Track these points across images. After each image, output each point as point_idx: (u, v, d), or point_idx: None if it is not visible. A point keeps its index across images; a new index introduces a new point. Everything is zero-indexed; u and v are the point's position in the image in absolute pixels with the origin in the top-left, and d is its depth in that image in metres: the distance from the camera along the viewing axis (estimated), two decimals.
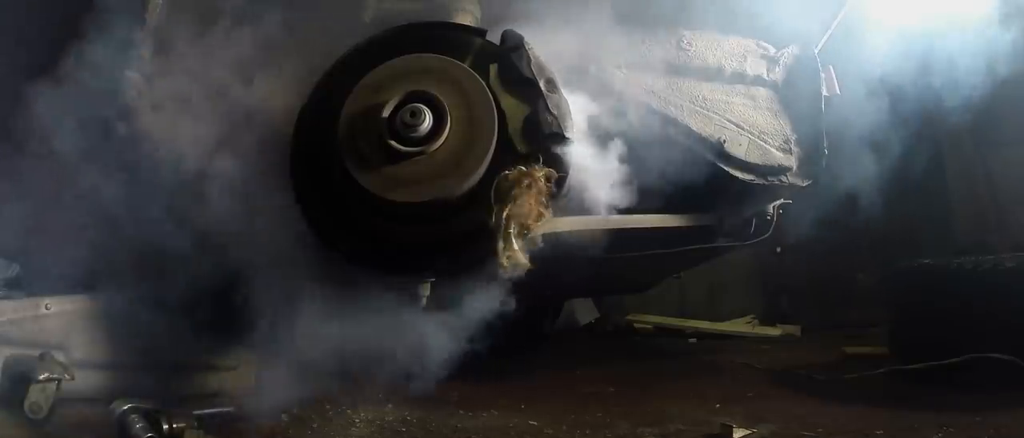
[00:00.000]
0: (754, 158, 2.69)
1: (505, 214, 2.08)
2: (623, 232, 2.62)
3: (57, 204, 2.57)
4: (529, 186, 2.09)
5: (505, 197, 2.10)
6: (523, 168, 2.12)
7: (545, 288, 2.69)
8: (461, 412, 2.65)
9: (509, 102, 2.22)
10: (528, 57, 2.24)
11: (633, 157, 2.43)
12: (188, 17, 2.50)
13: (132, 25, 2.47)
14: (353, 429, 2.48)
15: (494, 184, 2.13)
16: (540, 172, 2.11)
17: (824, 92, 2.82)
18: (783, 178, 2.78)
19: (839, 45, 2.87)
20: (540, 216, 2.11)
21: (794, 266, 4.70)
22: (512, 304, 2.28)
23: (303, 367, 2.41)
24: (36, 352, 2.34)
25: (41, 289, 2.54)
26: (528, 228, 2.10)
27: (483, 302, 2.28)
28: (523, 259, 2.11)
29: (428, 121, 2.11)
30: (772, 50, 2.80)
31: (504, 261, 2.09)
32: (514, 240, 2.09)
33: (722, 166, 2.66)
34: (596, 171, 2.38)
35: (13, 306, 2.42)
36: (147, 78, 2.46)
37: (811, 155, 2.81)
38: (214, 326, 2.55)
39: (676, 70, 2.66)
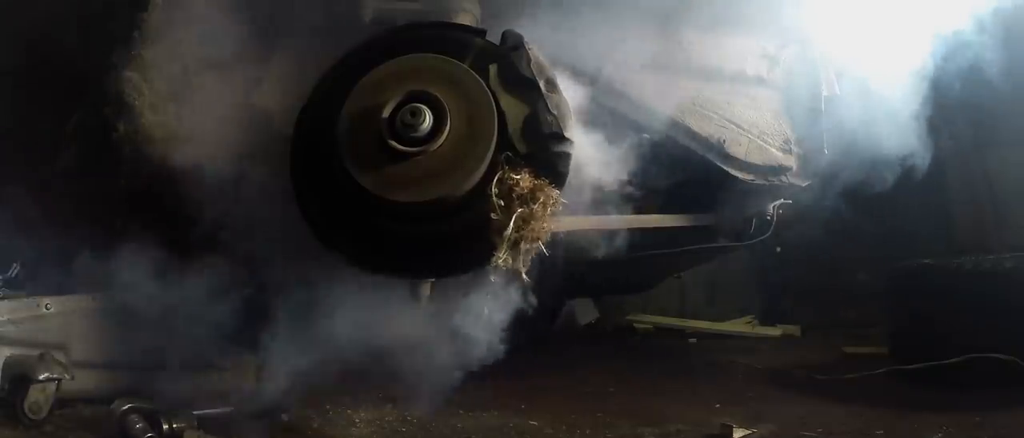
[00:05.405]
0: (754, 158, 2.69)
1: (512, 223, 2.08)
2: (623, 232, 2.62)
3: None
4: (544, 204, 2.09)
5: (512, 204, 2.09)
6: (536, 182, 2.12)
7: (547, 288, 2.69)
8: (461, 412, 2.65)
9: (509, 102, 2.21)
10: (528, 57, 2.24)
11: (633, 157, 2.44)
12: (187, 17, 2.51)
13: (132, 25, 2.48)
14: (353, 429, 2.49)
15: (495, 181, 2.12)
16: (555, 192, 2.12)
17: (824, 92, 2.82)
18: (783, 178, 2.79)
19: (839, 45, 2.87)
20: (547, 231, 2.12)
21: (794, 266, 4.70)
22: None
23: (304, 366, 2.42)
24: (36, 352, 2.34)
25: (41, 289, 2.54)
26: (534, 242, 2.11)
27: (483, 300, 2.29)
28: (520, 267, 2.12)
29: (428, 121, 2.11)
30: (772, 50, 2.80)
31: (500, 264, 2.10)
32: (515, 248, 2.09)
33: (722, 166, 2.66)
34: (596, 171, 2.39)
35: (13, 306, 2.42)
36: (146, 78, 2.46)
37: (811, 155, 2.81)
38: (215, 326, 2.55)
39: (676, 70, 2.65)
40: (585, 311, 5.04)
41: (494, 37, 2.30)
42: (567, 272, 2.71)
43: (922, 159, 2.98)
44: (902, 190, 3.06)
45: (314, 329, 2.33)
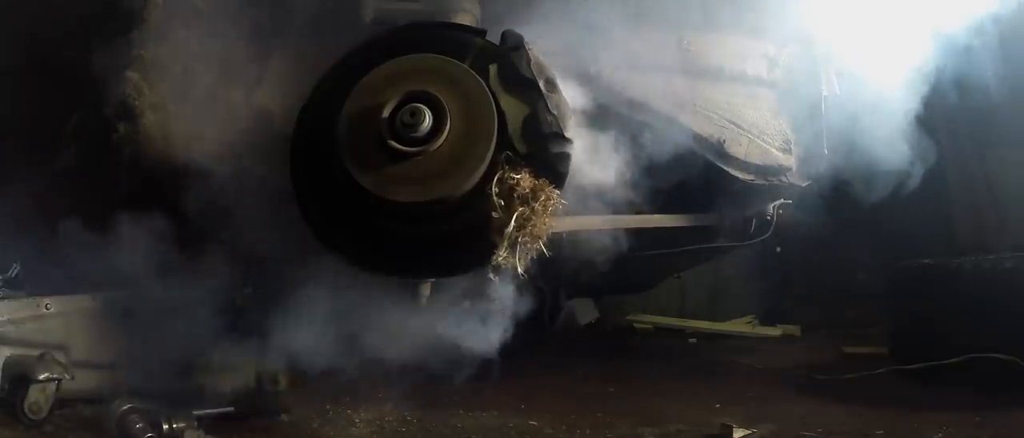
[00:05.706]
0: (754, 158, 2.69)
1: (512, 222, 2.08)
2: (623, 232, 2.62)
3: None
4: (544, 203, 2.09)
5: (512, 204, 2.09)
6: (536, 181, 2.12)
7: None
8: (461, 412, 2.65)
9: (509, 102, 2.21)
10: (528, 57, 2.24)
11: (633, 157, 2.44)
12: (188, 16, 2.51)
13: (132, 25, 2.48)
14: (353, 429, 2.48)
15: (495, 180, 2.12)
16: (555, 192, 2.12)
17: (824, 92, 2.82)
18: (783, 178, 2.79)
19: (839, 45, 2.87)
20: (548, 230, 2.12)
21: (794, 266, 4.70)
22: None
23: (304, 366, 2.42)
24: (36, 352, 2.34)
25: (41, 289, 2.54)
26: (535, 241, 2.11)
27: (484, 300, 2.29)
28: (518, 265, 2.12)
29: (428, 121, 2.11)
30: (772, 50, 2.80)
31: (499, 263, 2.10)
32: (516, 248, 2.10)
33: (722, 166, 2.66)
34: (596, 171, 2.39)
35: (13, 306, 2.42)
36: (147, 78, 2.47)
37: (811, 155, 2.81)
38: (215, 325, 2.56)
39: (676, 70, 2.65)
40: (585, 311, 5.05)
41: (494, 37, 2.30)
42: (567, 272, 2.71)
43: (922, 160, 2.99)
44: (902, 190, 3.07)
45: (314, 329, 2.33)
